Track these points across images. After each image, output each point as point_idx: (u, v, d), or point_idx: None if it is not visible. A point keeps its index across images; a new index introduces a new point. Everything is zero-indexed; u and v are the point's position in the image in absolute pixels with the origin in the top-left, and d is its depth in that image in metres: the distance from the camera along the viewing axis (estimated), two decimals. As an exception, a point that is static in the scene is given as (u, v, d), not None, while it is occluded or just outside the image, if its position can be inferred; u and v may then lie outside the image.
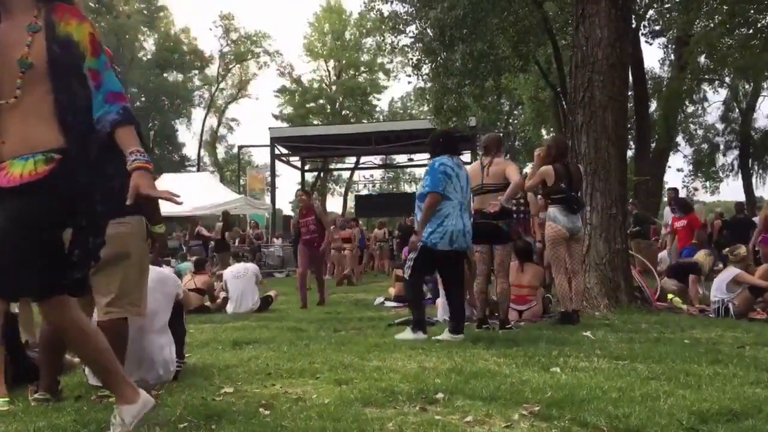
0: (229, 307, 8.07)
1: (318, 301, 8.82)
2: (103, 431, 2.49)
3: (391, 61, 37.44)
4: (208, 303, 8.31)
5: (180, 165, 40.64)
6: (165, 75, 39.96)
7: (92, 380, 3.48)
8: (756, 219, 10.33)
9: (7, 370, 3.29)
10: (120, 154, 2.29)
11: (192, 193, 17.37)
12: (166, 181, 20.84)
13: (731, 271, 6.86)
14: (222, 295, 8.44)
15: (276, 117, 42.14)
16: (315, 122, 38.98)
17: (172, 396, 3.11)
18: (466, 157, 23.92)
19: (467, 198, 5.14)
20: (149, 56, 39.62)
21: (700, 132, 29.25)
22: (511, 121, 33.55)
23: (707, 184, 29.98)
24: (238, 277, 8.11)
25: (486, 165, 5.70)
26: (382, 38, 17.31)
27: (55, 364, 3.16)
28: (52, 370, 3.13)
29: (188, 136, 57.27)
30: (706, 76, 21.66)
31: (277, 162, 25.10)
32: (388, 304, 8.69)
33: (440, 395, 3.00)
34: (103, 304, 3.12)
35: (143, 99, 38.72)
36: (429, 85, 15.89)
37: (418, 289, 5.25)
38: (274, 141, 23.67)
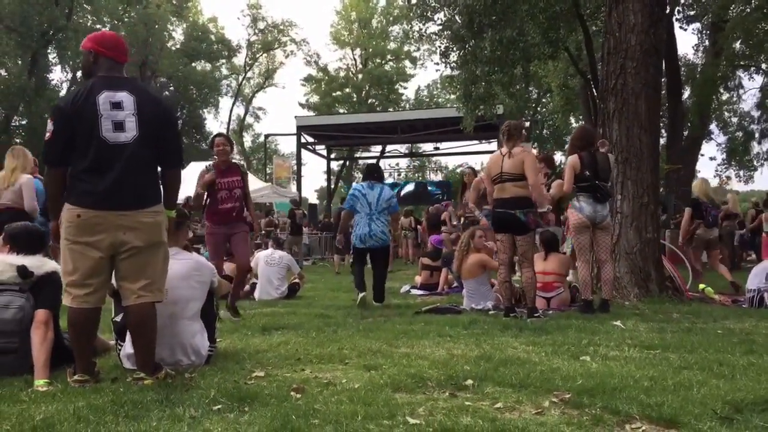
0: (257, 293, 8.16)
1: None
2: (139, 411, 2.55)
3: (418, 49, 37.40)
4: (237, 289, 8.40)
5: (207, 154, 40.82)
6: (193, 64, 40.28)
7: (127, 364, 3.57)
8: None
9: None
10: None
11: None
12: (193, 170, 21.09)
13: None
14: (251, 281, 8.53)
15: (302, 106, 42.33)
16: (341, 111, 39.00)
17: (204, 379, 3.16)
18: (492, 146, 23.77)
19: (379, 209, 6.81)
20: (178, 46, 39.96)
21: (734, 120, 28.50)
22: (539, 109, 33.14)
23: (741, 173, 29.28)
24: (270, 264, 8.19)
25: (505, 154, 5.67)
26: (409, 26, 17.19)
27: (86, 346, 3.22)
28: (84, 352, 3.20)
29: (216, 125, 57.84)
30: (742, 63, 21.06)
31: (303, 150, 25.21)
32: (414, 292, 8.71)
33: (470, 382, 3.01)
34: (135, 289, 3.19)
35: (171, 88, 39.12)
36: (457, 72, 15.74)
37: (358, 272, 7.03)
38: (301, 129, 23.78)
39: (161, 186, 3.37)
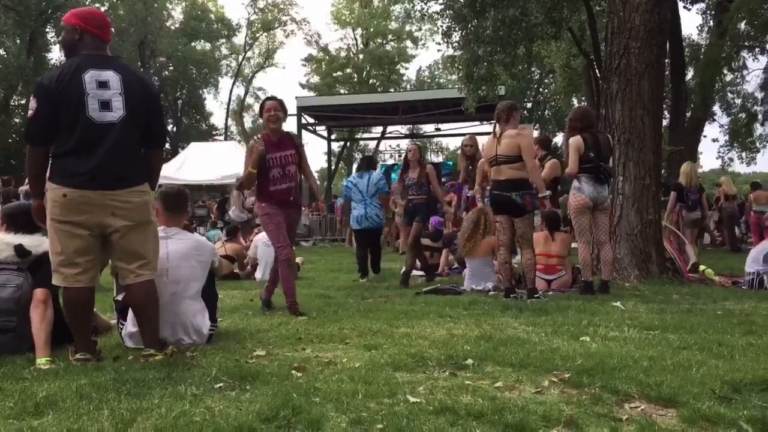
0: (258, 274, 8.17)
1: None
2: (141, 389, 2.57)
3: (420, 29, 37.12)
4: (237, 270, 8.43)
5: (207, 134, 40.93)
6: (193, 44, 39.99)
7: (129, 342, 3.59)
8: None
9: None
10: None
11: (219, 162, 17.47)
12: (193, 150, 21.03)
13: None
14: (251, 263, 8.54)
15: (303, 86, 42.06)
16: (342, 91, 38.78)
17: (206, 358, 3.18)
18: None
19: (369, 193, 7.67)
20: (177, 25, 39.64)
21: (737, 101, 28.33)
22: (541, 89, 32.91)
23: (743, 154, 29.18)
24: (269, 246, 8.17)
25: (498, 135, 5.64)
26: (411, 5, 17.04)
27: (83, 325, 3.22)
28: (82, 330, 3.21)
29: (216, 105, 57.70)
30: (746, 43, 20.91)
31: (303, 131, 25.11)
32: (415, 273, 8.71)
33: (470, 361, 3.02)
34: (133, 268, 3.19)
35: (171, 68, 38.89)
36: (459, 53, 15.62)
37: (361, 258, 7.91)
38: (301, 110, 23.65)
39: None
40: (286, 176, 4.91)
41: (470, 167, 7.81)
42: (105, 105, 3.09)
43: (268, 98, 5.14)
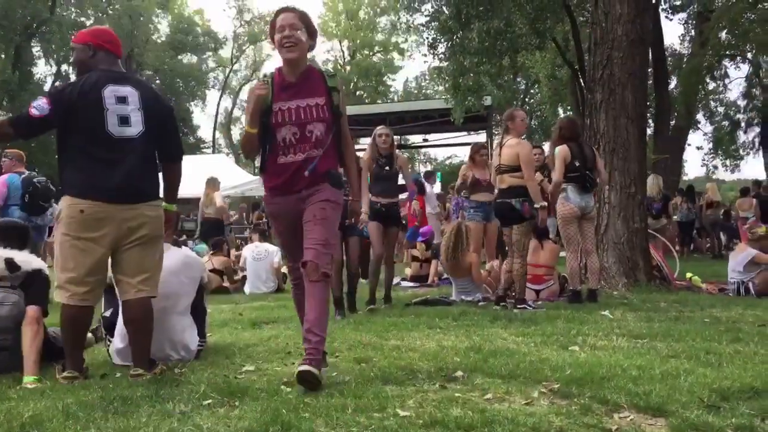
0: (247, 288, 8.15)
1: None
2: (129, 407, 2.54)
3: (406, 41, 37.29)
4: (226, 284, 8.38)
5: (195, 147, 40.77)
6: (179, 57, 39.98)
7: (116, 359, 3.55)
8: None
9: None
10: None
11: (208, 175, 17.42)
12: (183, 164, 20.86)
13: (748, 252, 6.76)
14: (241, 274, 8.51)
15: (290, 98, 42.04)
16: (329, 103, 38.78)
17: (194, 374, 3.15)
18: (481, 137, 23.77)
19: None
20: (163, 38, 39.61)
21: (720, 109, 28.68)
22: (527, 100, 33.14)
23: (727, 162, 29.52)
24: (258, 259, 8.17)
25: (499, 144, 5.75)
26: (397, 17, 17.14)
27: (79, 344, 3.21)
28: (76, 349, 3.18)
29: (203, 118, 57.45)
30: (728, 52, 21.18)
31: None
32: (405, 284, 8.72)
33: (459, 373, 3.02)
34: (135, 282, 3.16)
35: (158, 81, 38.79)
36: (445, 64, 15.71)
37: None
38: (289, 122, 23.61)
39: (163, 180, 3.38)
40: (306, 141, 3.01)
41: None
42: (124, 120, 3.11)
43: (281, 9, 3.14)
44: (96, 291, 3.15)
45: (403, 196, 6.89)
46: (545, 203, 5.64)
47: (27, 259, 3.49)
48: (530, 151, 5.72)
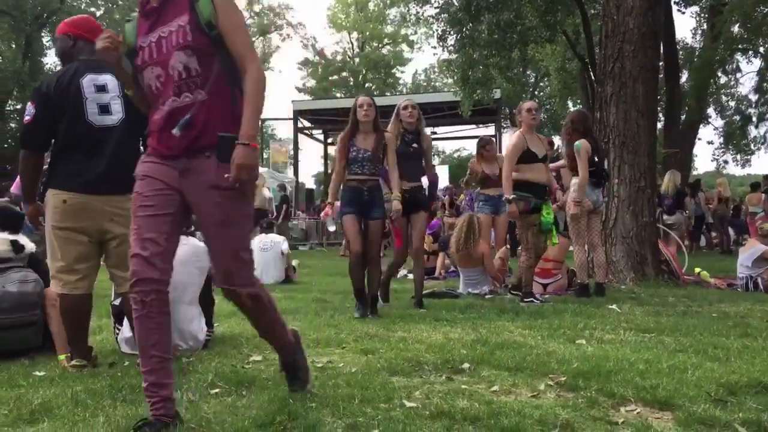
0: (255, 278, 8.17)
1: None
2: (137, 395, 2.56)
3: (415, 33, 37.17)
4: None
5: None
6: (189, 48, 40.02)
7: (125, 348, 3.58)
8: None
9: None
10: None
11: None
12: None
13: (757, 248, 6.72)
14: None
15: (299, 90, 42.08)
16: (338, 95, 38.79)
17: (202, 364, 3.18)
18: (489, 130, 23.69)
19: None
20: (173, 29, 39.65)
21: (732, 103, 28.44)
22: (537, 93, 32.99)
23: (738, 156, 29.30)
24: (265, 250, 8.18)
25: None
26: (406, 9, 17.07)
27: (81, 333, 3.23)
28: (79, 338, 3.21)
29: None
30: (740, 46, 20.97)
31: (300, 135, 25.11)
32: (411, 276, 8.71)
33: (466, 365, 3.02)
34: (128, 276, 3.15)
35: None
36: (454, 56, 15.65)
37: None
38: (297, 114, 23.67)
39: None
40: (170, 83, 2.20)
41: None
42: (104, 108, 3.10)
43: None
44: (88, 279, 3.15)
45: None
46: (514, 196, 5.42)
47: (24, 241, 3.60)
48: (511, 144, 5.63)
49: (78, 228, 3.06)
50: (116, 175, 3.10)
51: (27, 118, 3.09)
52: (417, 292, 5.38)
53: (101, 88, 3.11)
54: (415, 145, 5.33)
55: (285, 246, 8.21)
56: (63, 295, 3.11)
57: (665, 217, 10.37)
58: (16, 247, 3.50)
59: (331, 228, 5.54)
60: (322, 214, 9.76)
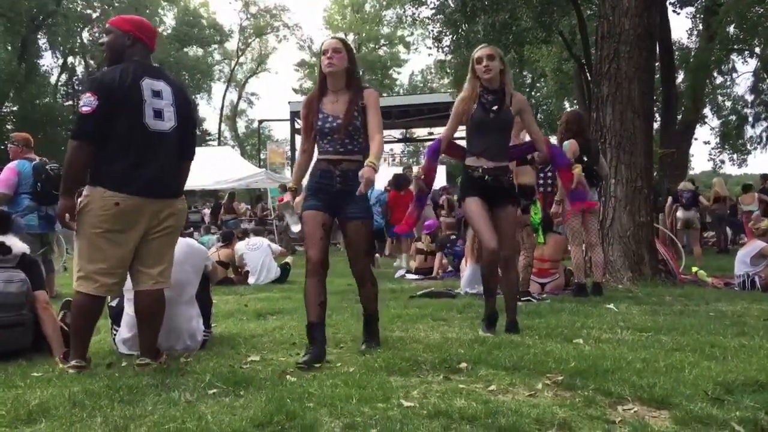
0: (251, 279, 8.16)
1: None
2: (134, 395, 2.56)
3: (412, 34, 37.21)
4: (231, 275, 8.41)
5: (201, 139, 40.86)
6: (185, 50, 39.95)
7: (122, 348, 3.57)
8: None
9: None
10: None
11: (213, 167, 17.43)
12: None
13: (756, 245, 6.75)
14: (244, 269, 8.55)
15: (296, 91, 42.13)
16: (335, 96, 38.74)
17: (200, 363, 3.17)
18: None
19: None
20: (169, 31, 39.60)
21: (728, 104, 28.58)
22: (533, 93, 33.10)
23: (734, 156, 29.43)
24: (255, 249, 8.23)
25: None
26: (402, 10, 17.09)
27: (89, 334, 3.21)
28: (86, 339, 3.19)
29: (209, 111, 57.58)
30: (736, 47, 21.07)
31: (297, 136, 25.09)
32: (409, 276, 8.73)
33: (464, 365, 3.02)
34: (154, 274, 3.16)
35: (164, 74, 38.76)
36: (450, 57, 15.69)
37: None
38: (295, 115, 23.60)
39: None
40: None
41: None
42: (158, 114, 3.10)
43: None
44: (122, 283, 3.16)
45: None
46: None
47: (13, 242, 3.58)
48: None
49: (128, 230, 3.04)
50: (168, 180, 3.15)
51: (87, 108, 2.95)
52: (509, 311, 3.98)
53: (157, 94, 3.11)
54: (495, 108, 3.95)
55: (273, 245, 8.57)
56: (93, 297, 3.04)
57: (680, 212, 10.43)
58: (3, 249, 3.48)
59: (295, 228, 3.76)
60: (275, 204, 9.57)
